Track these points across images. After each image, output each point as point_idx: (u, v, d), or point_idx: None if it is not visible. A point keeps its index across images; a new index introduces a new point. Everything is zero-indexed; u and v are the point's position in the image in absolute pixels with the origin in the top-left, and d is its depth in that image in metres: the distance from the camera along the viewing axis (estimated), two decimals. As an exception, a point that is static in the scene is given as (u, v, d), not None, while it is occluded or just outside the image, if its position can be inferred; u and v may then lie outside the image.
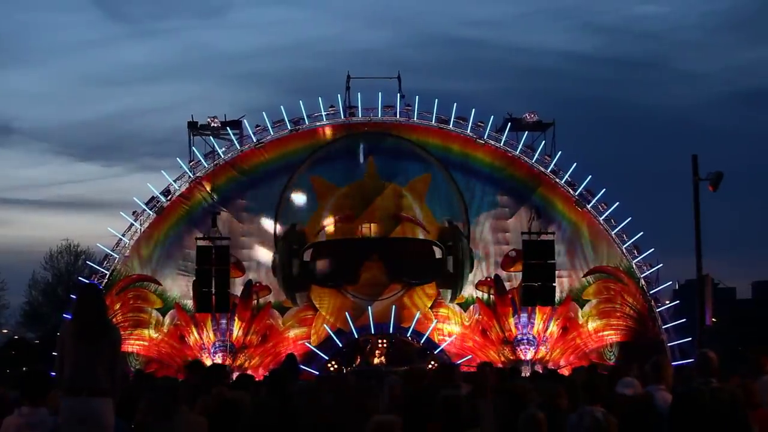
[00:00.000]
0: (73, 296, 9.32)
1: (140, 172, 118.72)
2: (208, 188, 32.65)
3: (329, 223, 32.64)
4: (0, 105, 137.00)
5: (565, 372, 25.26)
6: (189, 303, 31.99)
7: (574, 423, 7.19)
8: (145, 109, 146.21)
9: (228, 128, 33.20)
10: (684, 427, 6.69)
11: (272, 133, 33.08)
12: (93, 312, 8.58)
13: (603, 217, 32.61)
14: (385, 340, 31.37)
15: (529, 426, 7.43)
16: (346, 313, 31.62)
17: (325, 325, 31.81)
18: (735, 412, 6.63)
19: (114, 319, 30.78)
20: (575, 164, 32.98)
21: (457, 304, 32.46)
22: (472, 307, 32.43)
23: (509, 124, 33.35)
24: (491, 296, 32.51)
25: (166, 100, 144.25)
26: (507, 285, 32.55)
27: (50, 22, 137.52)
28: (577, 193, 32.68)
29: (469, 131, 33.15)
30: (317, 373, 28.67)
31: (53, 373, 8.76)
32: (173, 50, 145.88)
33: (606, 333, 32.25)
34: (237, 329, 31.98)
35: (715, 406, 6.55)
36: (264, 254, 32.72)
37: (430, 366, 25.34)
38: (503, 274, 32.65)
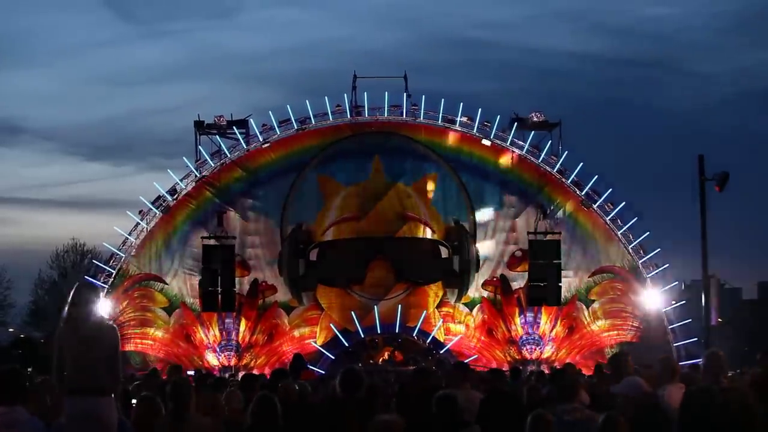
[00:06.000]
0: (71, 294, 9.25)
1: (149, 171, 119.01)
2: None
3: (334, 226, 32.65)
4: (9, 105, 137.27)
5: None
6: (195, 302, 32.02)
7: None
8: (155, 110, 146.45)
9: (234, 127, 33.20)
10: (693, 428, 6.67)
11: (278, 133, 33.11)
12: (90, 311, 8.59)
13: (609, 217, 32.58)
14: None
15: (537, 427, 7.42)
16: (352, 313, 31.61)
17: (331, 325, 31.81)
18: (745, 412, 6.61)
19: (120, 319, 30.89)
20: (581, 164, 32.99)
21: (463, 303, 32.47)
22: (478, 306, 32.44)
23: (515, 123, 33.30)
24: (497, 296, 32.50)
25: (176, 100, 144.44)
26: (513, 285, 32.56)
27: (60, 23, 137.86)
28: (583, 193, 32.64)
29: (475, 131, 33.12)
30: (323, 372, 28.69)
31: (50, 373, 8.74)
32: (183, 51, 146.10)
33: (612, 333, 32.24)
34: (243, 328, 31.99)
35: (726, 406, 6.53)
36: (270, 253, 32.75)
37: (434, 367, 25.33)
38: (509, 273, 32.64)
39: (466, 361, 28.91)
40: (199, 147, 33.35)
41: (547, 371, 30.74)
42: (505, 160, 32.98)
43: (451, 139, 33.30)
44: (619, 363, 9.53)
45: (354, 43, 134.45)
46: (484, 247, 32.81)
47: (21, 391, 7.95)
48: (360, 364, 29.53)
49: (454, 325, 32.23)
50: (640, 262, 32.31)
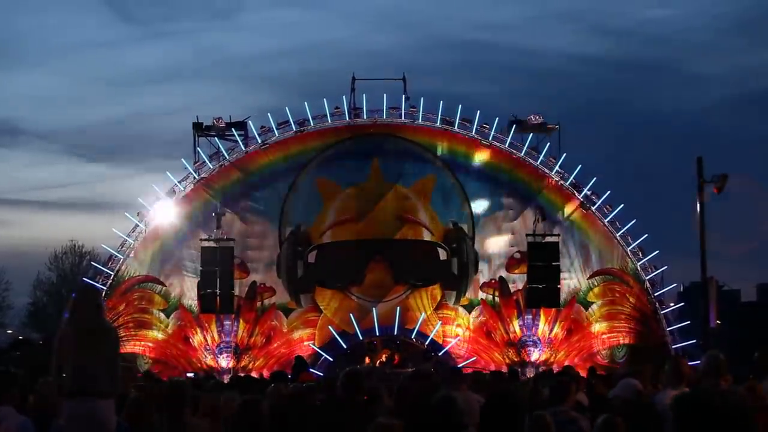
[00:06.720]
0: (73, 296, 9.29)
1: (149, 173, 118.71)
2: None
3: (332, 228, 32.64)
4: (8, 106, 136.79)
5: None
6: (193, 304, 32.00)
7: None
8: (155, 111, 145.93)
9: (233, 129, 33.18)
10: (690, 430, 6.65)
11: (277, 135, 33.09)
12: (91, 314, 8.59)
13: (608, 219, 32.56)
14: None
15: (536, 428, 7.41)
16: (351, 315, 31.62)
17: (329, 327, 31.80)
18: (744, 415, 6.59)
19: (118, 320, 30.87)
20: (580, 166, 32.98)
21: (462, 305, 32.45)
22: (476, 308, 32.43)
23: (514, 125, 33.30)
24: (496, 298, 32.49)
25: (176, 101, 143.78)
26: (512, 287, 32.55)
27: (60, 23, 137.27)
28: (582, 195, 32.63)
29: (473, 133, 33.10)
30: (321, 374, 28.68)
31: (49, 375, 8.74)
32: (183, 52, 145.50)
33: (611, 335, 32.23)
34: (241, 330, 31.97)
35: (724, 409, 6.51)
36: (268, 256, 32.74)
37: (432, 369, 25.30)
38: (508, 275, 32.63)
39: (463, 363, 29.04)
40: (198, 149, 33.36)
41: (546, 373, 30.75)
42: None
43: (449, 141, 33.28)
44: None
45: (353, 44, 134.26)
46: (483, 249, 32.80)
47: (11, 392, 7.96)
48: (359, 366, 29.56)
49: (453, 327, 32.22)
50: (639, 264, 32.29)
